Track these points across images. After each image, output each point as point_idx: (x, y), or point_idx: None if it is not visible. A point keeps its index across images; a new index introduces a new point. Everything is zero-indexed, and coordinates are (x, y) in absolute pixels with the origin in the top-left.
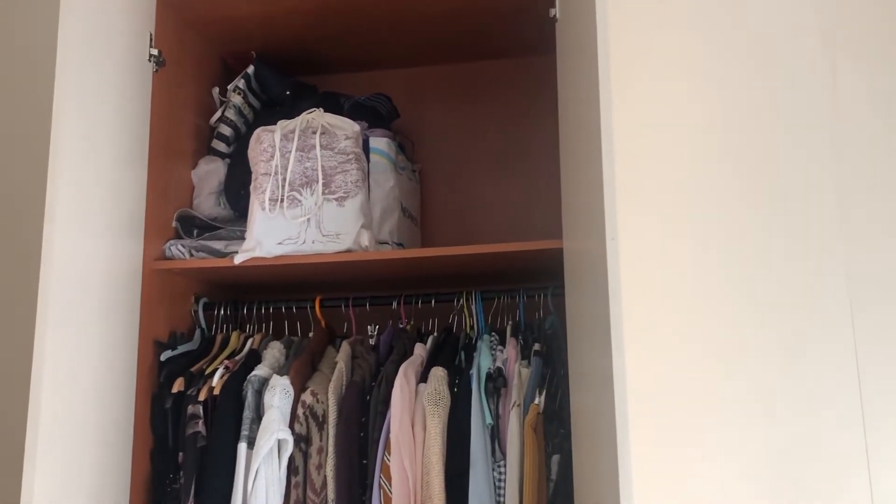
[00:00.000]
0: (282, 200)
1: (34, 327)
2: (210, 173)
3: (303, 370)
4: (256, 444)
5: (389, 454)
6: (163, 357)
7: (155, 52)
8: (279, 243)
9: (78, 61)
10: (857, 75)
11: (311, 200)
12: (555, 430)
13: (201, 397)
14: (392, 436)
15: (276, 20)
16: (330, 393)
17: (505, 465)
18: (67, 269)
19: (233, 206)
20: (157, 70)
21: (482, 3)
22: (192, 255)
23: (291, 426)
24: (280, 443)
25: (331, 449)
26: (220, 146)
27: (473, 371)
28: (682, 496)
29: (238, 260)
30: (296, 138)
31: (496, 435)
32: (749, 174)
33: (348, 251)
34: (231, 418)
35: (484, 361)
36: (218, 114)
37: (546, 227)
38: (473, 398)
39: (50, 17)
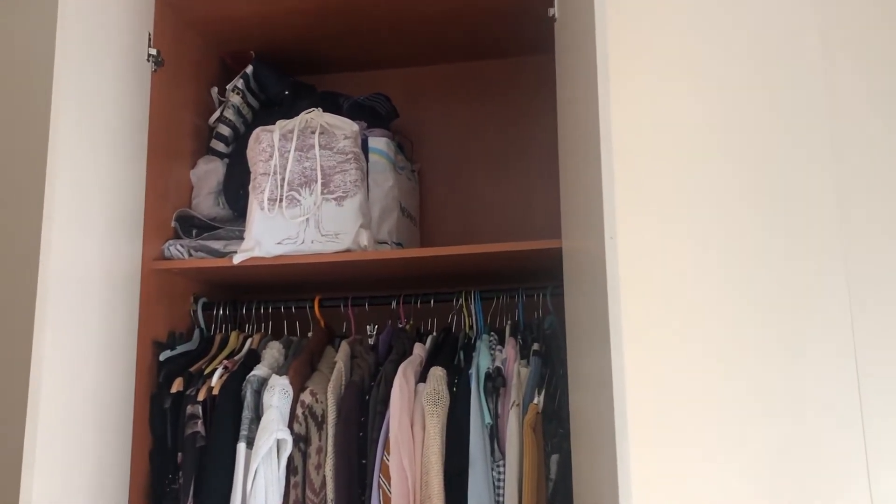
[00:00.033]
0: (281, 200)
1: (33, 327)
2: (209, 173)
3: (302, 370)
4: (255, 443)
5: (388, 454)
6: (162, 357)
7: (154, 51)
8: (278, 243)
9: (77, 61)
10: (857, 75)
11: (309, 200)
12: (554, 430)
13: (200, 397)
14: (391, 435)
15: (276, 20)
16: (329, 393)
17: (504, 465)
18: (66, 270)
19: (232, 206)
20: (155, 70)
21: (481, 3)
22: (190, 254)
23: (290, 426)
24: (279, 443)
25: (330, 449)
26: (218, 146)
27: (472, 371)
28: (682, 496)
29: (237, 260)
30: (294, 138)
31: (495, 434)
32: (749, 174)
33: (347, 251)
34: (230, 418)
35: (483, 361)
36: (217, 113)
37: (545, 227)
38: (472, 398)
39: (49, 17)
